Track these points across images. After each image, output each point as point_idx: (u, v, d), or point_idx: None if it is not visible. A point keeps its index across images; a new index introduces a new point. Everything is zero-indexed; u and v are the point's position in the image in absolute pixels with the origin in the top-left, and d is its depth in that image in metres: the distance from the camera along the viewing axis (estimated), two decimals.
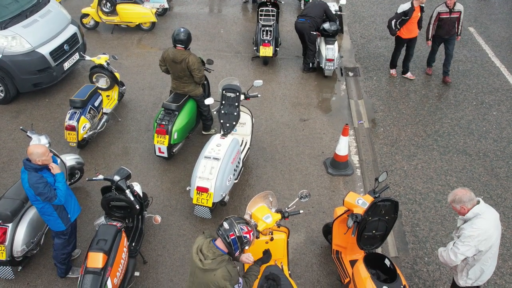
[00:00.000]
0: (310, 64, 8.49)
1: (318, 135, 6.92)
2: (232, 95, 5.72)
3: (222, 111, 5.76)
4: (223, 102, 5.77)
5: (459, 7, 7.70)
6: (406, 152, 6.61)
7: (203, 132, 6.83)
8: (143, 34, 9.64)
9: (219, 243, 3.33)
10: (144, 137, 6.79)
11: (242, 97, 5.85)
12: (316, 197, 5.83)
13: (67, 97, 7.58)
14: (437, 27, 7.79)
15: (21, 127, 5.30)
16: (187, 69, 6.05)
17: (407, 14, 7.61)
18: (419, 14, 7.75)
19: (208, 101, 5.83)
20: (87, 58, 6.88)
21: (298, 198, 4.31)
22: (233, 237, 3.25)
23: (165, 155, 6.10)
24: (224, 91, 5.75)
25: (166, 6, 10.14)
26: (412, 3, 7.65)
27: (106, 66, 6.77)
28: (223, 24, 10.15)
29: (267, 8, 8.35)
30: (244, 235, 3.31)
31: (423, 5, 7.78)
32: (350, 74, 8.45)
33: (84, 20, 9.66)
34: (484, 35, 9.83)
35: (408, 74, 8.31)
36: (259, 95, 6.03)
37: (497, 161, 6.44)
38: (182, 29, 6.04)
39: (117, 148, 6.57)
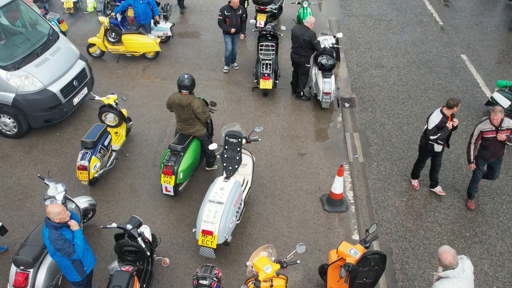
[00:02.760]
0: (302, 92, 8.93)
1: (315, 170, 7.32)
2: (235, 140, 6.13)
3: (225, 155, 6.16)
4: (226, 147, 6.17)
5: (508, 123, 6.07)
6: (398, 188, 7.02)
7: (207, 168, 7.23)
8: (147, 63, 10.02)
9: None
10: (151, 173, 7.18)
11: (243, 141, 6.25)
12: (312, 235, 6.23)
13: (77, 131, 7.99)
14: (481, 147, 6.26)
15: (38, 175, 5.69)
16: (192, 112, 6.44)
17: (441, 127, 6.18)
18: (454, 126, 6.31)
19: (212, 146, 6.24)
20: (97, 98, 7.26)
21: (295, 250, 4.71)
22: None
23: (171, 193, 6.50)
24: (227, 137, 6.15)
25: (169, 34, 10.51)
26: (442, 112, 6.19)
27: (115, 106, 7.16)
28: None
29: (266, 43, 8.73)
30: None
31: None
32: (346, 105, 8.84)
33: (91, 50, 10.03)
34: (476, 62, 10.22)
35: (437, 189, 6.89)
36: (259, 139, 6.42)
37: (483, 197, 6.84)
38: (186, 76, 6.42)
39: (125, 185, 6.97)
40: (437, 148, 6.42)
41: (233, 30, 9.19)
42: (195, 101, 6.39)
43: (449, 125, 6.22)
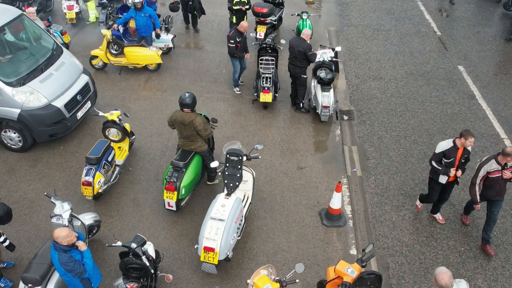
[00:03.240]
0: (301, 104, 9.08)
1: (314, 184, 7.48)
2: (235, 158, 6.29)
3: (226, 173, 6.32)
4: (227, 164, 6.34)
5: None
6: (395, 202, 7.18)
7: (208, 183, 7.39)
8: (149, 75, 10.18)
9: None
10: (153, 187, 7.34)
11: (244, 158, 6.41)
12: (311, 250, 6.40)
13: (81, 145, 8.15)
14: (484, 187, 6.13)
15: (45, 193, 5.85)
16: (194, 130, 6.60)
17: (448, 156, 6.11)
18: (463, 160, 6.19)
19: (214, 164, 6.41)
20: (101, 114, 7.41)
21: (294, 270, 4.87)
22: None
23: (174, 208, 6.67)
24: (228, 155, 6.32)
25: (171, 45, 10.66)
26: (454, 142, 6.10)
27: (118, 122, 7.32)
28: (225, 62, 10.66)
29: (266, 57, 8.88)
30: None
31: (469, 148, 6.16)
32: (345, 117, 8.99)
33: (93, 62, 10.18)
34: (473, 74, 10.37)
35: (438, 216, 6.86)
36: (259, 157, 6.59)
37: (478, 212, 6.99)
38: (187, 94, 6.57)
39: (128, 199, 7.13)
40: (442, 179, 6.32)
41: (247, 55, 9.18)
42: (197, 119, 6.55)
43: (452, 172, 6.15)
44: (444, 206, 7.04)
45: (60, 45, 8.64)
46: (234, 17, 10.67)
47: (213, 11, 13.05)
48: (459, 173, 6.24)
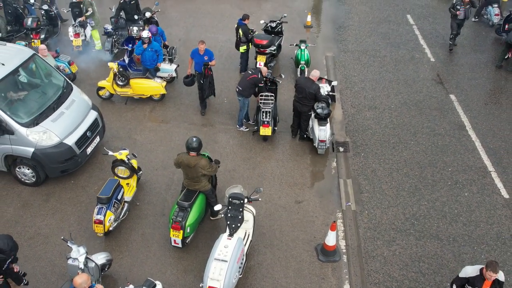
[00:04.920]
0: (305, 135, 9.55)
1: (311, 219, 7.94)
2: (237, 201, 6.77)
3: (229, 214, 6.80)
4: (230, 207, 6.82)
5: None
6: (386, 237, 7.64)
7: (211, 218, 7.87)
8: (154, 105, 10.62)
9: None
10: (160, 222, 7.80)
11: (245, 200, 6.88)
12: (308, 285, 6.87)
13: (90, 179, 8.61)
14: None
15: (62, 238, 6.32)
16: (199, 172, 7.07)
17: (473, 283, 5.66)
18: None
19: (218, 207, 6.89)
20: (110, 153, 7.87)
21: None
22: None
23: (180, 245, 7.14)
24: (230, 199, 6.79)
25: (174, 75, 11.11)
26: (481, 272, 5.62)
27: (127, 161, 7.77)
28: (226, 92, 11.11)
29: (266, 93, 9.33)
30: None
31: (502, 279, 5.65)
32: (341, 149, 9.45)
33: (100, 92, 10.63)
34: (464, 103, 10.82)
35: None
36: (260, 199, 7.07)
37: (464, 247, 7.47)
38: (194, 139, 7.04)
39: (137, 235, 7.59)
40: None
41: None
42: (201, 162, 7.02)
43: None
44: (432, 242, 7.50)
45: (70, 82, 9.07)
46: (250, 43, 11.31)
47: (214, 35, 13.48)
48: None
